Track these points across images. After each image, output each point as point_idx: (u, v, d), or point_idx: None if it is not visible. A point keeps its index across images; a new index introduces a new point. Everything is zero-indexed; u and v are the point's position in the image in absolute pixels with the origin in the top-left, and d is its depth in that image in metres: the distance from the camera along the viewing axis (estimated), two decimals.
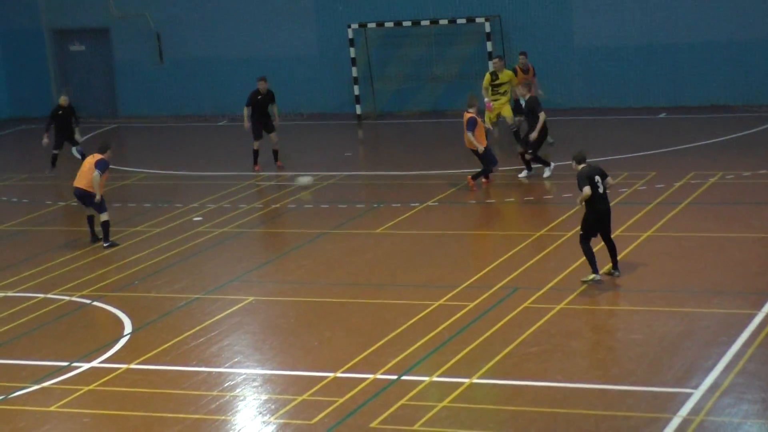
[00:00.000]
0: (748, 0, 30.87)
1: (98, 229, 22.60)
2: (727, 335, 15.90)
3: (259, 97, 27.57)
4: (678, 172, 24.73)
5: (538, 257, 19.81)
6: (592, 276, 18.13)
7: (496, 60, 28.38)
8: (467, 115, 24.18)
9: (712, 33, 31.05)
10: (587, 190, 17.85)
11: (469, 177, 24.46)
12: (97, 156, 22.38)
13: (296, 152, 29.84)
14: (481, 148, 24.12)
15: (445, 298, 18.21)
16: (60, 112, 28.21)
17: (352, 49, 33.41)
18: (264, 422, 14.55)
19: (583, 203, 18.06)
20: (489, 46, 32.16)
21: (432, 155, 28.52)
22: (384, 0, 33.34)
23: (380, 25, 33.34)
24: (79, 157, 27.71)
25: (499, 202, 24.12)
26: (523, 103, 25.88)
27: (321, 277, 20.09)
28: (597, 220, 18.07)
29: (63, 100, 28.47)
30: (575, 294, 18.00)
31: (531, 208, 23.79)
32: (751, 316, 16.43)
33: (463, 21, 32.57)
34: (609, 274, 18.38)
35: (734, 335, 15.86)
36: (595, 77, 31.97)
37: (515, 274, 19.05)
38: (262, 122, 27.64)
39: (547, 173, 25.05)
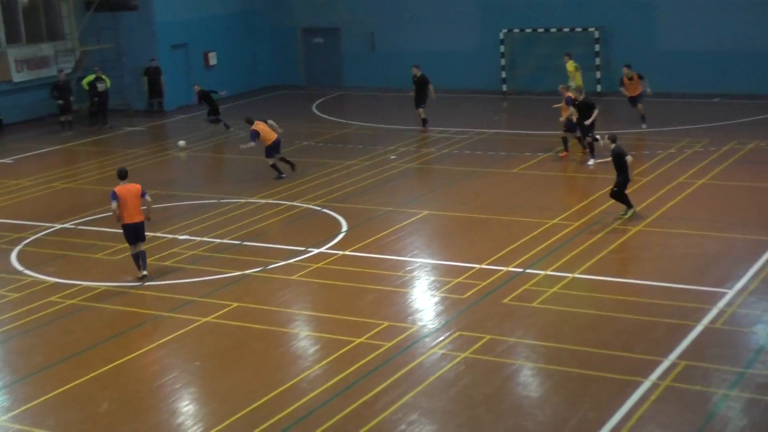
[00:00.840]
0: None
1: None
2: (755, 254, 15.44)
3: (414, 78, 27.23)
4: (725, 140, 23.78)
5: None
6: (631, 211, 17.70)
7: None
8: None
9: (756, 41, 29.75)
10: (630, 158, 17.49)
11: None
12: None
13: (458, 116, 29.58)
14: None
15: (558, 218, 17.99)
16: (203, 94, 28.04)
17: (501, 46, 32.92)
18: (432, 295, 14.66)
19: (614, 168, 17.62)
20: (597, 47, 31.33)
21: (556, 120, 27.98)
22: (524, 12, 32.71)
23: (521, 30, 32.77)
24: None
25: (602, 157, 23.48)
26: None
27: (472, 200, 20.00)
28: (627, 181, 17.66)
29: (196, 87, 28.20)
30: (649, 220, 17.62)
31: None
32: None
33: (579, 29, 31.80)
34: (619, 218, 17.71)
35: (759, 254, 15.40)
36: (669, 71, 30.85)
37: (607, 204, 18.64)
38: (418, 97, 27.11)
39: (590, 162, 21.98)
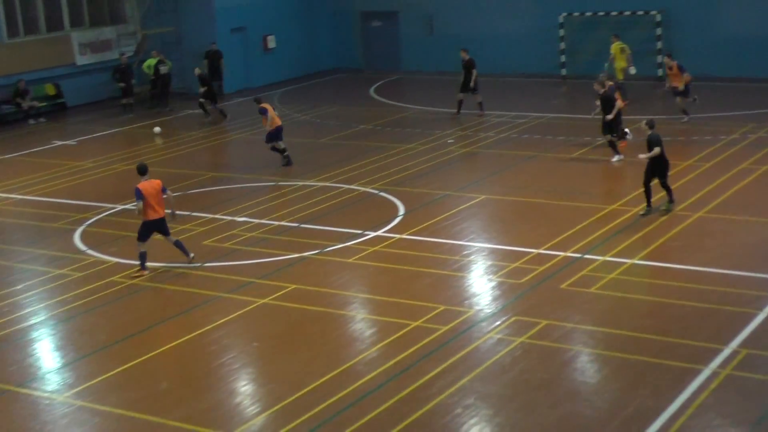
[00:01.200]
0: None
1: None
2: None
3: (463, 62, 26.89)
4: None
5: (684, 180, 19.07)
6: (646, 208, 17.09)
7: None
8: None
9: None
10: (658, 149, 16.89)
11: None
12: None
13: (516, 100, 29.33)
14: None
15: (617, 204, 17.79)
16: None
17: (560, 30, 32.56)
18: (489, 279, 14.57)
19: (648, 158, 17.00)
20: (658, 31, 30.83)
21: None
22: None
23: (581, 14, 32.37)
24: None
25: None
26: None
27: (530, 185, 19.83)
28: (661, 166, 17.03)
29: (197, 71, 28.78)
30: (710, 206, 17.35)
31: (680, 146, 22.71)
32: None
33: (641, 12, 31.30)
34: (666, 209, 17.13)
35: None
36: (733, 55, 30.29)
37: (663, 193, 18.33)
38: (466, 81, 26.73)
39: (615, 158, 20.79)
